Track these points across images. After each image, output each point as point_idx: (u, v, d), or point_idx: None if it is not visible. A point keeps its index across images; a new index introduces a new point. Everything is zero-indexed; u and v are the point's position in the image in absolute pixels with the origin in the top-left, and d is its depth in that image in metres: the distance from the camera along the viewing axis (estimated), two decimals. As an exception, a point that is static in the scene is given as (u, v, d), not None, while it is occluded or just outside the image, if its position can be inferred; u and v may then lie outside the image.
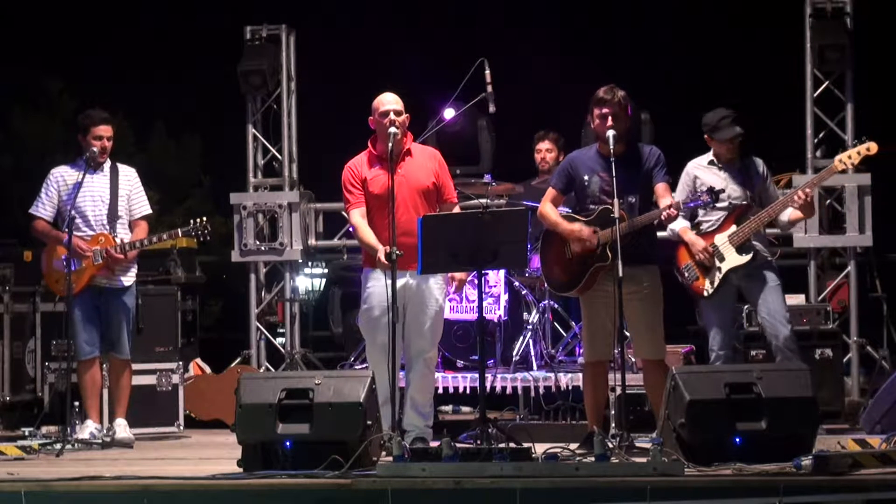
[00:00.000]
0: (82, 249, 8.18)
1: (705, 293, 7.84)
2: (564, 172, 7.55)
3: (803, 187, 7.77)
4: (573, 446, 6.91)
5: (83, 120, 8.45)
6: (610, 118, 7.25)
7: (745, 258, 7.77)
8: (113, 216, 8.36)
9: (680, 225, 7.93)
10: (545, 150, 9.73)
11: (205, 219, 8.44)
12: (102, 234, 8.32)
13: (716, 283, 7.81)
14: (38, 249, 8.61)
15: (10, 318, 9.74)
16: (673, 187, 7.50)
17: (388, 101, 7.36)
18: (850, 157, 7.71)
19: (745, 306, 8.69)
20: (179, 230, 8.43)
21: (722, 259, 7.80)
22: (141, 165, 8.67)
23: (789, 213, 7.88)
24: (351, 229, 7.69)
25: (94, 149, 8.30)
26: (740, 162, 7.95)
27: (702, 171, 7.97)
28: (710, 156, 7.99)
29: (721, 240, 7.81)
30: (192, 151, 23.11)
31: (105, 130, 8.37)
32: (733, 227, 7.80)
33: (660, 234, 7.73)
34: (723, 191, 7.67)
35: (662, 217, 7.22)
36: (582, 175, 7.42)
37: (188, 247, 10.26)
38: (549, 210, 7.54)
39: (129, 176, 8.50)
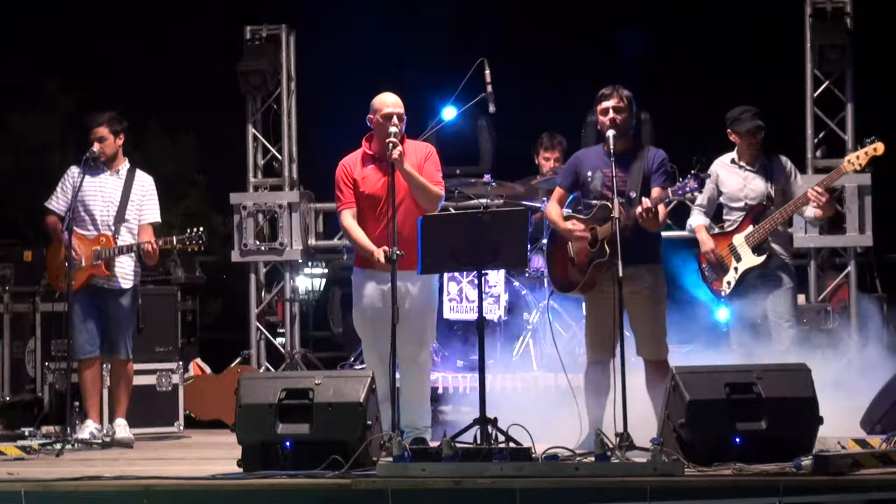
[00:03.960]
0: (77, 254, 8.19)
1: (723, 293, 7.88)
2: (571, 169, 7.60)
3: (814, 186, 7.75)
4: (573, 446, 6.91)
5: (85, 123, 8.51)
6: (611, 111, 7.29)
7: (760, 259, 7.79)
8: (120, 218, 8.37)
9: (697, 222, 7.98)
10: (554, 160, 9.64)
11: (202, 228, 8.41)
12: (104, 234, 8.33)
13: (733, 284, 7.84)
14: (40, 248, 8.61)
15: (10, 318, 9.74)
16: None
17: (392, 104, 7.29)
18: (857, 158, 7.71)
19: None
20: (175, 238, 8.37)
21: (739, 259, 7.83)
22: (137, 164, 8.64)
23: (814, 211, 7.88)
24: (342, 229, 7.61)
25: (94, 149, 8.33)
26: (765, 160, 7.95)
27: (723, 168, 8.00)
28: (733, 154, 8.01)
29: (738, 240, 7.84)
30: (189, 150, 23.08)
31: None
32: (750, 228, 7.83)
33: (677, 232, 7.69)
34: (708, 175, 7.62)
35: (639, 210, 7.08)
36: (586, 171, 7.46)
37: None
38: (552, 208, 7.60)
39: (144, 183, 8.51)
